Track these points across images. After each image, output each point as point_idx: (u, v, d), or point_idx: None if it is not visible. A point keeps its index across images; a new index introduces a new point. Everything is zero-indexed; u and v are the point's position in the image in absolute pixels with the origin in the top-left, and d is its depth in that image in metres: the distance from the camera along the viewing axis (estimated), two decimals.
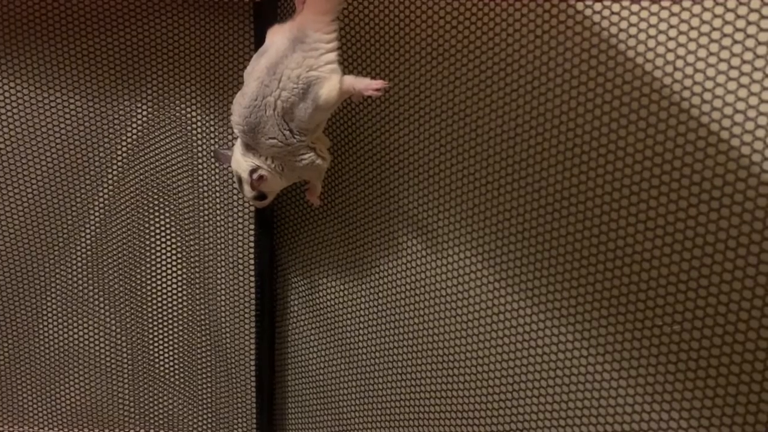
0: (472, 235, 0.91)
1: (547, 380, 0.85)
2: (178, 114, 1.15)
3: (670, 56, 0.71)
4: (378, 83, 0.85)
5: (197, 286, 1.21)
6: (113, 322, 1.22)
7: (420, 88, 0.94)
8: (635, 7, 0.72)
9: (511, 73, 0.84)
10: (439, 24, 0.90)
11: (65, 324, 1.22)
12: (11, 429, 1.25)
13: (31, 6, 1.10)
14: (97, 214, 1.19)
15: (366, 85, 0.85)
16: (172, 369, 1.23)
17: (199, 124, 1.15)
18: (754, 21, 0.65)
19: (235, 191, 1.16)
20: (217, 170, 1.16)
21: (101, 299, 1.22)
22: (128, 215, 1.19)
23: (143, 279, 1.21)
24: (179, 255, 1.20)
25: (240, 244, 1.18)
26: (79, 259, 1.20)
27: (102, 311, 1.22)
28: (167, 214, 1.19)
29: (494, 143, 0.87)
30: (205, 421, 1.24)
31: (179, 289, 1.21)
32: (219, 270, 1.20)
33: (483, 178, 0.89)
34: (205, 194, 1.17)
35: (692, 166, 0.70)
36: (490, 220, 0.89)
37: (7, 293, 1.21)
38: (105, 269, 1.21)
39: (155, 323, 1.22)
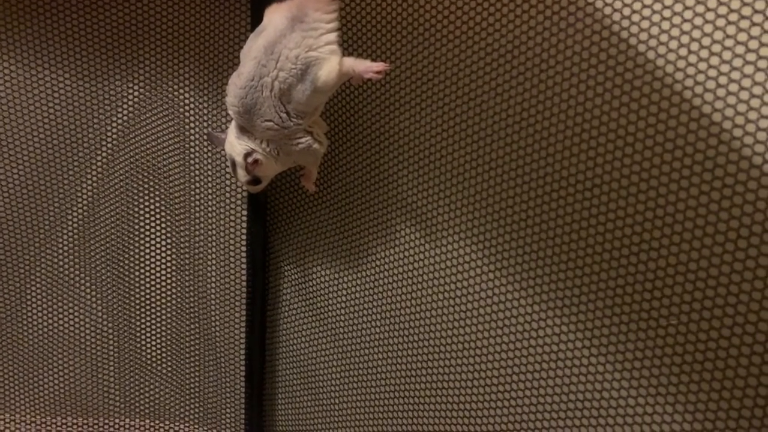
0: (470, 224, 0.90)
1: (546, 371, 0.85)
2: (170, 95, 1.13)
3: (673, 44, 0.70)
4: (379, 66, 0.84)
5: (187, 272, 1.19)
6: (99, 308, 1.21)
7: (422, 71, 0.92)
8: None
9: (518, 55, 0.83)
10: (443, 5, 0.88)
11: (50, 309, 1.20)
12: None
13: None
14: (84, 197, 1.17)
15: (366, 67, 0.84)
16: (159, 357, 1.22)
17: (191, 105, 1.14)
18: None
19: (227, 176, 1.15)
20: (209, 154, 1.15)
21: (87, 284, 1.20)
22: (117, 199, 1.17)
23: (131, 264, 1.20)
24: (169, 240, 1.19)
25: (232, 230, 1.17)
26: (65, 242, 1.18)
27: (88, 297, 1.20)
28: (157, 199, 1.17)
29: (496, 130, 0.86)
30: (192, 411, 1.23)
31: (168, 275, 1.20)
32: (209, 256, 1.18)
33: (483, 165, 0.88)
34: (197, 178, 1.16)
35: (697, 156, 0.70)
36: (489, 209, 0.88)
37: None
38: (92, 254, 1.19)
39: (143, 310, 1.21)
